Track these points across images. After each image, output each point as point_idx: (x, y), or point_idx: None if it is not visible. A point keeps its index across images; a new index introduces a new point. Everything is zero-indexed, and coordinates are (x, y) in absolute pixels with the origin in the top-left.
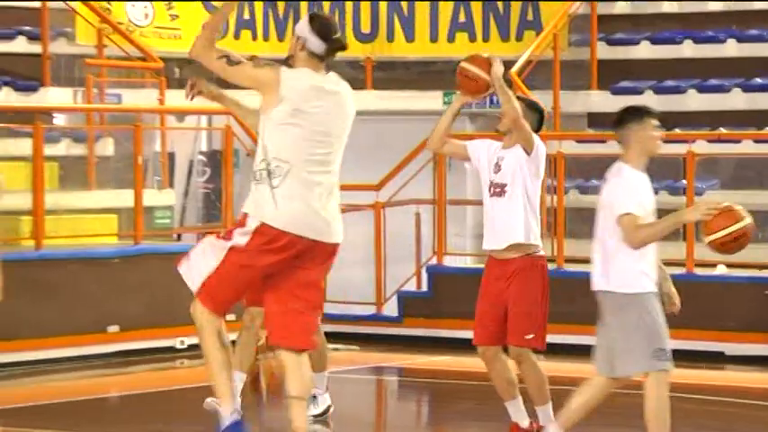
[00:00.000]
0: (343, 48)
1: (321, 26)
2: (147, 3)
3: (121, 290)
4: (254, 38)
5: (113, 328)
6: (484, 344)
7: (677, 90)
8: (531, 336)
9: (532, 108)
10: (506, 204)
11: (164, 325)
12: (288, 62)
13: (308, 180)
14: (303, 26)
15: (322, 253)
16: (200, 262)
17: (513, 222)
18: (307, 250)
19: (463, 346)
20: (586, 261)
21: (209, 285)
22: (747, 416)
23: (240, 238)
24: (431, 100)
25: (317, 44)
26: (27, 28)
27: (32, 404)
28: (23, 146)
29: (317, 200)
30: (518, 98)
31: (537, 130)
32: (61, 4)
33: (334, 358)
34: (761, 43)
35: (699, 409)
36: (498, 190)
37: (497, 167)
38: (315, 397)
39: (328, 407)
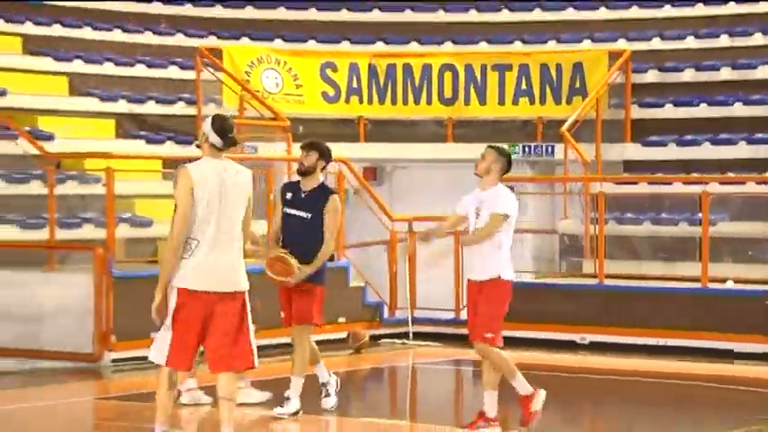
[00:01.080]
0: (235, 144)
1: (220, 126)
2: (278, 74)
3: (260, 295)
4: (361, 102)
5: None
6: None
7: (694, 143)
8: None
9: (503, 154)
10: (480, 246)
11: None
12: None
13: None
14: (207, 125)
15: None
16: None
17: (487, 260)
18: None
19: (517, 343)
20: (623, 277)
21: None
22: (758, 401)
23: None
24: None
25: (216, 139)
26: (185, 95)
27: None
28: None
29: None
30: (490, 146)
31: (507, 172)
32: (212, 77)
33: (423, 353)
34: (762, 105)
35: (715, 396)
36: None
37: (477, 214)
38: (288, 398)
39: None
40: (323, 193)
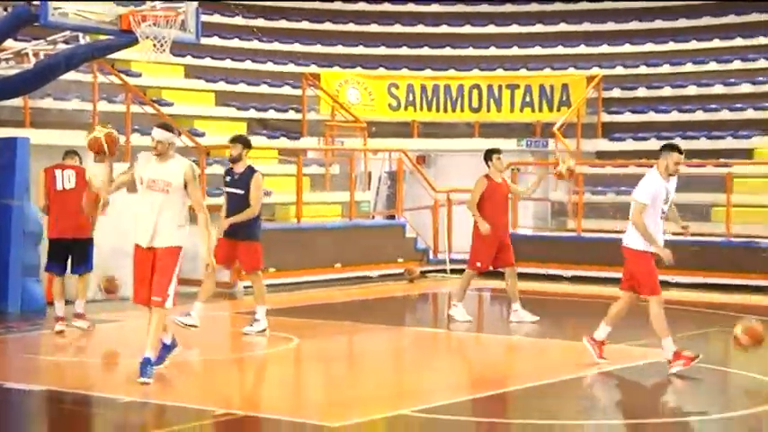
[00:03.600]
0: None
1: (164, 127)
2: (358, 91)
3: (343, 244)
4: (415, 110)
5: (338, 265)
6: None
7: (645, 138)
8: None
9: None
10: None
11: (362, 263)
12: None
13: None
14: (165, 132)
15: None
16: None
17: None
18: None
19: (526, 277)
20: (595, 231)
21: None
22: (692, 316)
23: None
24: (511, 142)
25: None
26: (295, 105)
27: (297, 305)
28: (292, 168)
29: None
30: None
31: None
32: (313, 93)
33: (456, 282)
34: (690, 113)
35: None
36: None
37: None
38: (257, 320)
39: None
40: (250, 173)
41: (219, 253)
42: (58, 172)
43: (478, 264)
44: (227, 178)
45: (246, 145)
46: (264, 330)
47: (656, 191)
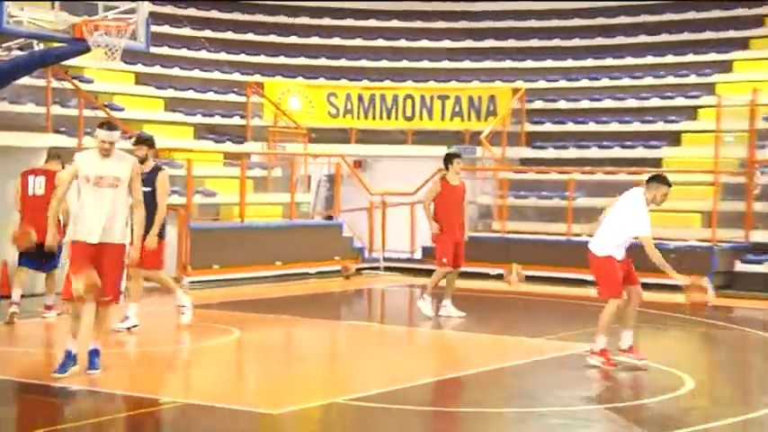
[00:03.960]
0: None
1: (109, 126)
2: (299, 99)
3: (283, 243)
4: (352, 117)
5: (278, 262)
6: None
7: (564, 147)
8: None
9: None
10: None
11: (300, 260)
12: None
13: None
14: (112, 132)
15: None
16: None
17: None
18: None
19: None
20: (517, 232)
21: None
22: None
23: None
24: (441, 149)
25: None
26: (240, 112)
27: (239, 300)
28: (236, 171)
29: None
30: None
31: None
32: (257, 100)
33: (389, 279)
34: (604, 124)
35: (568, 306)
36: None
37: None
38: (128, 317)
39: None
40: (156, 171)
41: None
42: (30, 178)
43: (444, 260)
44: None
45: (151, 145)
46: (136, 326)
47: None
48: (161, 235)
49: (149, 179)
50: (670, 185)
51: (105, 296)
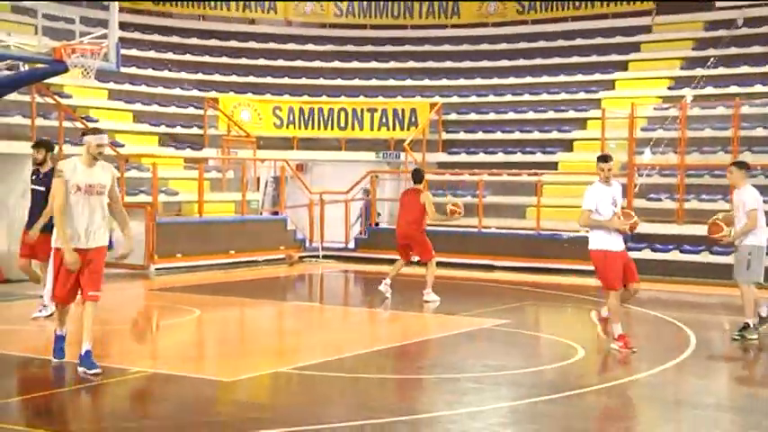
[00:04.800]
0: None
1: (97, 131)
2: (249, 112)
3: (236, 235)
4: (295, 127)
5: (232, 251)
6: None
7: (475, 153)
8: None
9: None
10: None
11: (251, 249)
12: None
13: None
14: (106, 137)
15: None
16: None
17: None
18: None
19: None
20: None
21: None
22: (508, 292)
23: None
24: (370, 154)
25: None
26: (198, 123)
27: (198, 284)
28: (195, 173)
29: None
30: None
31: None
32: (213, 113)
33: (327, 266)
34: (516, 133)
35: (515, 289)
36: None
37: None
38: (45, 306)
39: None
40: (52, 173)
41: (24, 247)
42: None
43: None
44: (33, 177)
45: (49, 149)
46: (52, 314)
47: (598, 197)
48: (46, 229)
49: (47, 179)
50: (606, 161)
51: (93, 293)
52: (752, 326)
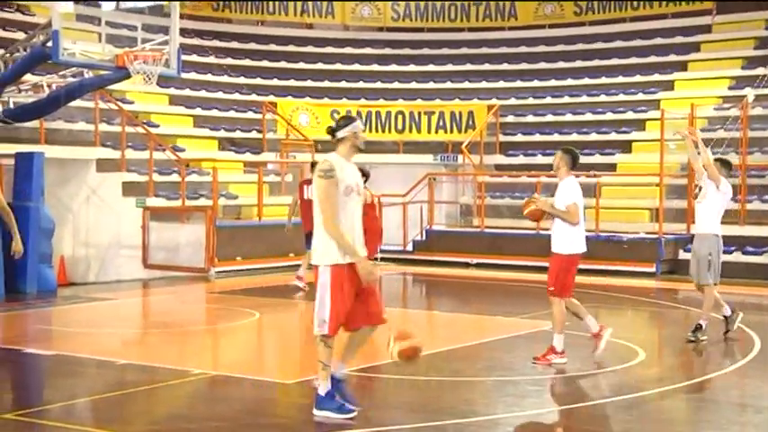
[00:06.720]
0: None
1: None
2: (307, 116)
3: (295, 237)
4: None
5: (291, 254)
6: None
7: (533, 155)
8: None
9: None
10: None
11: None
12: None
13: None
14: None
15: None
16: None
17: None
18: None
19: (442, 264)
20: (494, 227)
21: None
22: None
23: None
24: (428, 157)
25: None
26: (257, 127)
27: (258, 287)
28: (254, 177)
29: None
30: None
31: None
32: (271, 117)
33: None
34: (566, 135)
35: (524, 288)
36: None
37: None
38: None
39: None
40: None
41: None
42: (305, 187)
43: None
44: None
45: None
46: None
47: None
48: None
49: None
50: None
51: None
52: None
